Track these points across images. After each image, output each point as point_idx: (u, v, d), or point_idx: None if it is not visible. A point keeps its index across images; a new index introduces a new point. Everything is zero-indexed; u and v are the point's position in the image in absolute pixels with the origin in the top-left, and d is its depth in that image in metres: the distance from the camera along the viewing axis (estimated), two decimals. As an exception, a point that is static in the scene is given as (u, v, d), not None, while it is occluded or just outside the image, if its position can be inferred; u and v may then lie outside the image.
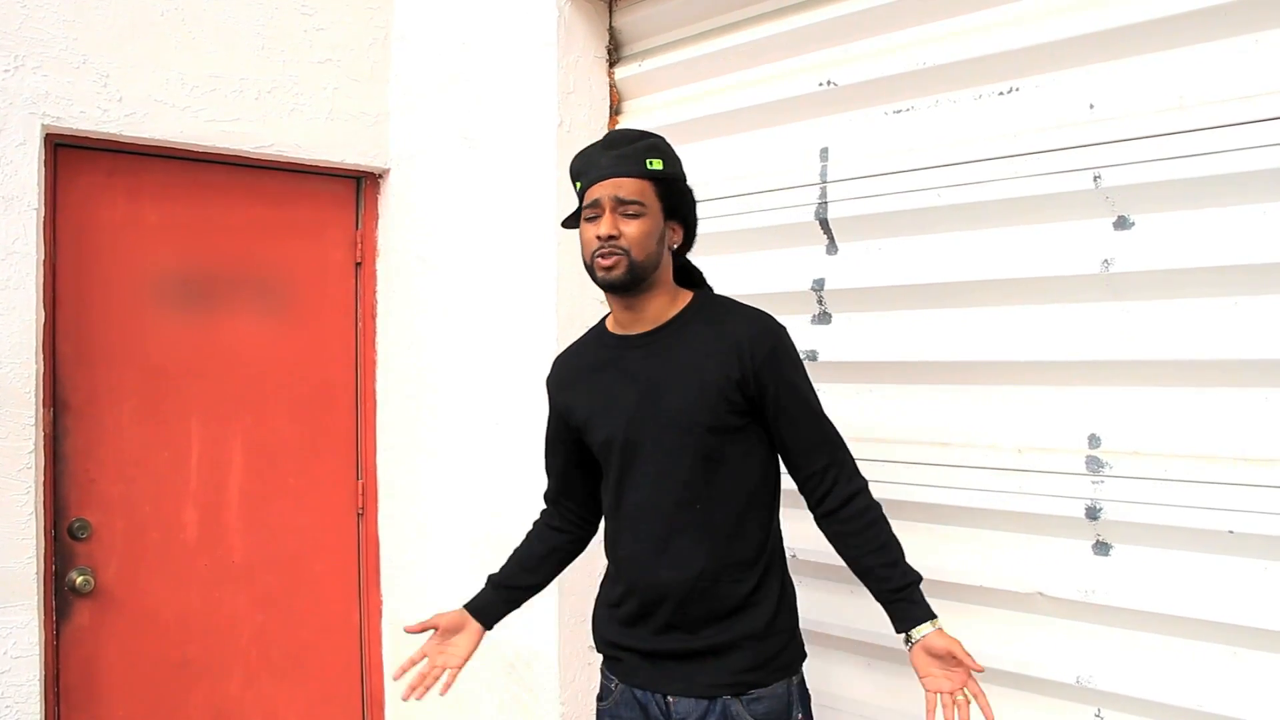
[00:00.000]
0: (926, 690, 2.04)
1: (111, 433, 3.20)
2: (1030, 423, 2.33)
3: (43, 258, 2.98)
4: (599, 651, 2.31)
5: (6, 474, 2.88)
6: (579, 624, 3.11)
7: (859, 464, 2.17)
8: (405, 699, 2.32)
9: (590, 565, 3.09)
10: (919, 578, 2.09)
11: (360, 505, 3.73)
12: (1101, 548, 2.24)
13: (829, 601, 2.62)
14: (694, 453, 2.09)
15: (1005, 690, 2.37)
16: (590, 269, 2.11)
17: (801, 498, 2.18)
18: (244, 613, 3.47)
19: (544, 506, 2.48)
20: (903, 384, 2.55)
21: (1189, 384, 2.12)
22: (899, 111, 2.56)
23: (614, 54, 3.21)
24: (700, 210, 2.89)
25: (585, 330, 2.38)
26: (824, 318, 2.68)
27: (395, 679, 2.37)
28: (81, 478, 3.14)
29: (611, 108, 3.22)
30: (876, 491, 2.36)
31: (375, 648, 3.74)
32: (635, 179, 2.08)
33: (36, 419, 2.94)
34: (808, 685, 2.20)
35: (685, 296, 2.20)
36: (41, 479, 2.98)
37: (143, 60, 3.14)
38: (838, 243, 2.66)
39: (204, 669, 3.38)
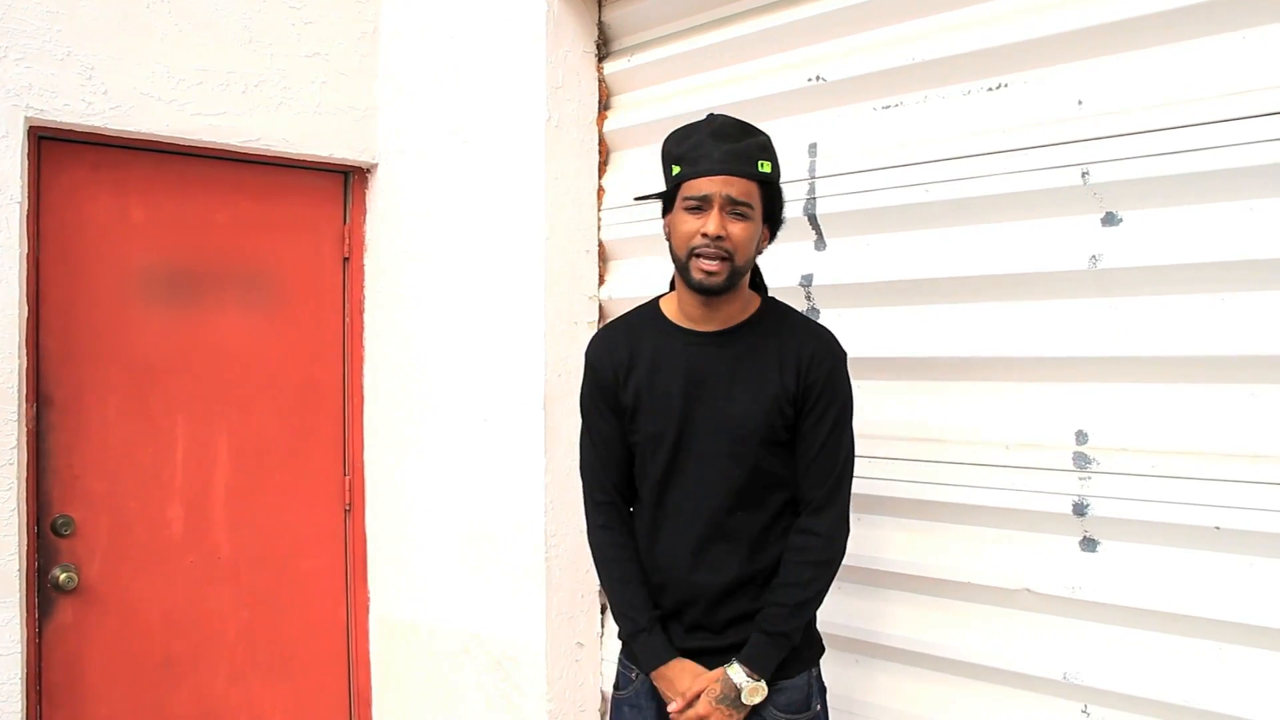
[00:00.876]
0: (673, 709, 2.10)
1: (96, 428, 3.17)
2: (1018, 419, 2.33)
3: (25, 252, 2.95)
4: (621, 639, 2.27)
5: (-11, 470, 2.86)
6: (565, 621, 3.11)
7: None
8: None
9: (577, 560, 3.11)
10: (780, 634, 2.07)
11: (347, 502, 3.72)
12: (1089, 544, 2.24)
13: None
14: (743, 460, 2.09)
15: (992, 686, 2.38)
16: (685, 265, 2.04)
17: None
18: (230, 610, 3.44)
19: (603, 515, 2.26)
20: (891, 380, 2.55)
21: (1176, 380, 2.13)
22: (888, 107, 2.56)
23: (603, 49, 3.20)
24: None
25: (635, 308, 2.29)
26: (812, 313, 2.68)
27: None
28: (65, 474, 3.11)
29: (600, 103, 3.21)
30: (865, 488, 2.37)
31: (362, 645, 3.72)
32: (747, 180, 2.01)
33: (19, 414, 2.91)
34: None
35: (754, 301, 2.18)
36: (24, 475, 2.94)
37: (128, 53, 3.11)
38: (826, 238, 2.66)
39: (189, 667, 3.36)
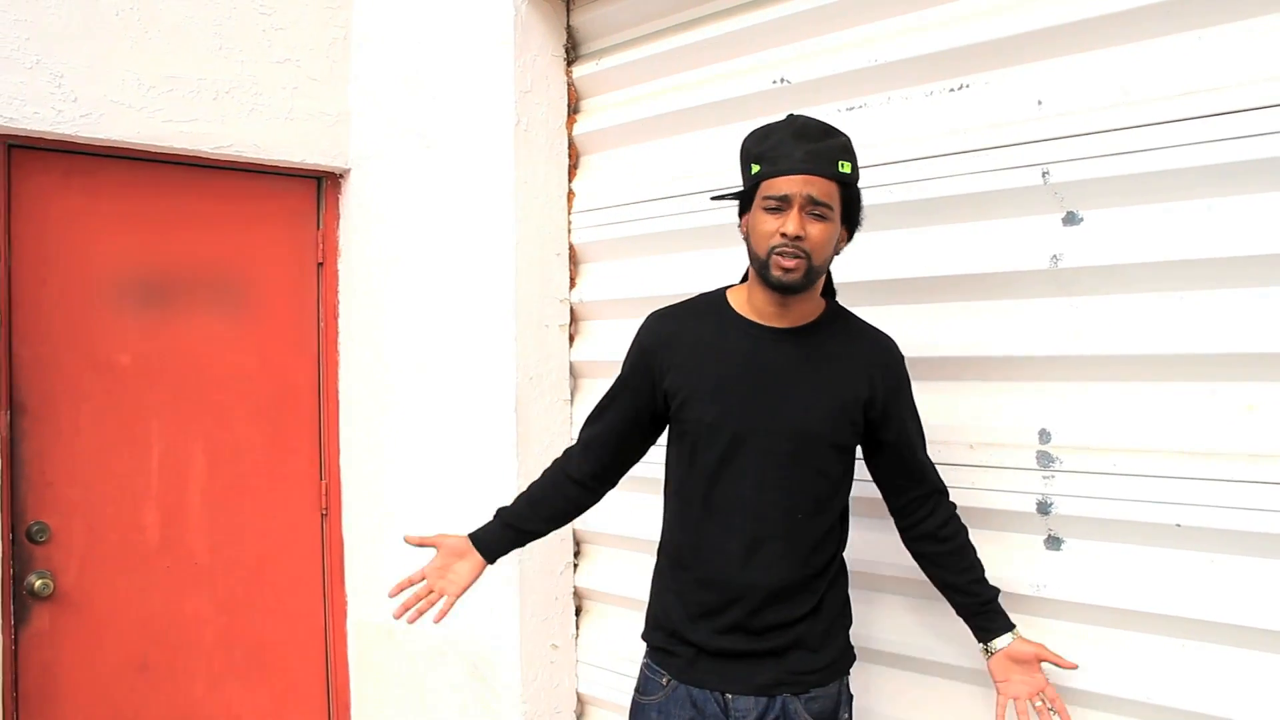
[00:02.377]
0: (1001, 695, 2.13)
1: (70, 435, 3.18)
2: (981, 418, 2.34)
3: (-3, 260, 2.96)
4: (649, 643, 2.25)
5: (-38, 478, 2.86)
6: (540, 623, 3.11)
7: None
8: (397, 617, 2.20)
9: (550, 562, 3.11)
10: (998, 591, 2.16)
11: (324, 506, 3.72)
12: (1053, 542, 2.25)
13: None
14: (808, 463, 2.08)
15: (960, 685, 2.39)
16: (764, 263, 2.00)
17: None
18: (207, 615, 3.45)
19: (570, 450, 2.33)
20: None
21: (1137, 379, 2.14)
22: (852, 109, 2.56)
23: (571, 52, 3.21)
24: (655, 209, 2.92)
25: (697, 295, 2.26)
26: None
27: (391, 596, 2.23)
28: (39, 481, 3.12)
29: (570, 106, 3.21)
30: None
31: (340, 648, 3.73)
32: (828, 180, 1.98)
33: (-8, 422, 2.92)
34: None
35: (822, 303, 2.16)
36: (-2, 482, 2.96)
37: (98, 60, 3.11)
38: (793, 240, 2.66)
39: (167, 672, 3.36)
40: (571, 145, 3.22)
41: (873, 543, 2.46)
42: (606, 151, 3.18)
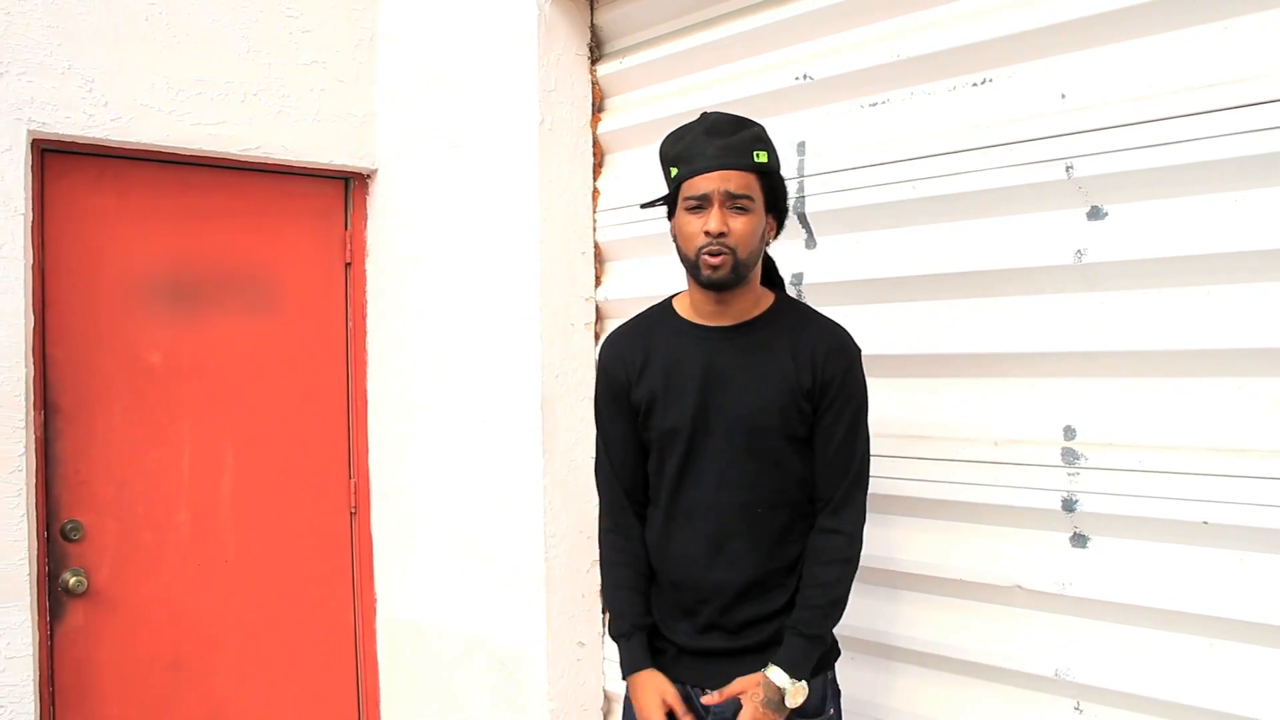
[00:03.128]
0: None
1: (103, 435, 3.22)
2: (1006, 415, 2.32)
3: (31, 262, 3.00)
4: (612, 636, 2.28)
5: (-2, 477, 2.90)
6: (567, 620, 3.12)
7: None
8: None
9: (576, 560, 3.12)
10: (817, 636, 2.09)
11: (353, 504, 3.75)
12: (1079, 540, 2.23)
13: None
14: (762, 456, 2.09)
15: (984, 683, 2.37)
16: (694, 264, 2.04)
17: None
18: (237, 612, 3.48)
19: (610, 519, 2.29)
20: (879, 377, 2.52)
21: (1163, 374, 2.12)
22: (874, 104, 2.55)
23: (595, 51, 3.21)
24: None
25: (643, 310, 2.30)
26: (804, 312, 2.67)
27: None
28: (73, 480, 3.16)
29: (594, 105, 3.22)
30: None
31: (370, 646, 3.76)
32: (744, 172, 2.00)
33: (27, 422, 2.96)
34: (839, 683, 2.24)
35: (768, 297, 2.17)
36: (33, 481, 2.99)
37: (128, 65, 3.15)
38: (816, 236, 2.66)
39: (198, 669, 3.40)
40: (596, 144, 3.22)
41: (891, 540, 2.45)
42: (631, 150, 3.18)
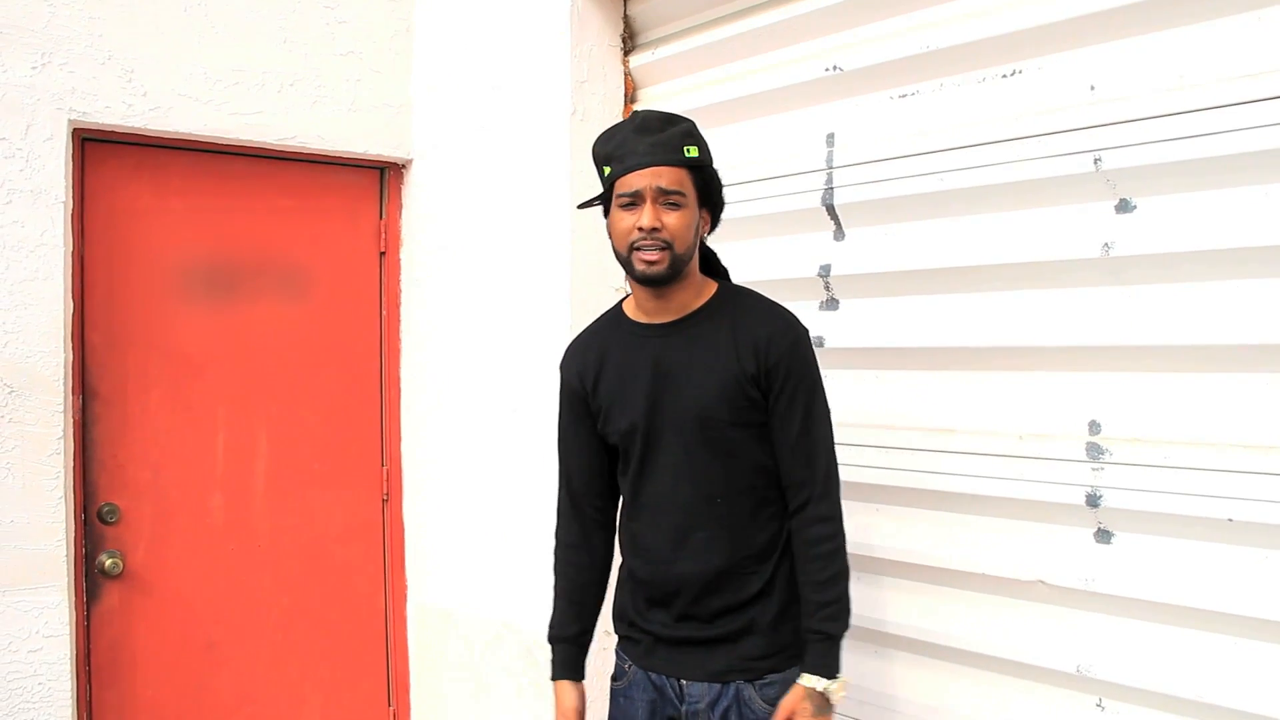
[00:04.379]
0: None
1: (139, 420, 3.28)
2: (1031, 409, 2.31)
3: (71, 250, 3.06)
4: (616, 632, 2.32)
5: (37, 460, 2.96)
6: (593, 610, 3.13)
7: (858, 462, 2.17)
8: None
9: (603, 551, 3.12)
10: (839, 631, 2.08)
11: (385, 491, 3.79)
12: (1103, 535, 2.21)
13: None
14: (715, 446, 2.09)
15: (1006, 679, 2.36)
16: (627, 261, 2.06)
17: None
18: (270, 596, 3.54)
19: (562, 524, 2.33)
20: (907, 370, 2.54)
21: (1189, 369, 2.09)
22: (904, 96, 2.54)
23: (628, 42, 3.22)
24: (709, 197, 2.91)
25: (597, 316, 2.35)
26: (831, 304, 2.67)
27: None
28: (110, 463, 3.22)
29: (626, 96, 3.22)
30: (879, 478, 2.35)
31: (400, 631, 3.80)
32: (675, 168, 2.02)
33: (66, 406, 3.02)
34: None
35: (710, 287, 2.18)
36: (71, 464, 3.06)
37: (166, 55, 3.20)
38: (845, 228, 2.65)
39: (230, 651, 3.46)
40: (628, 135, 3.22)
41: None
42: (663, 141, 3.18)
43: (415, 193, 3.73)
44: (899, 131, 2.53)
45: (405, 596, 3.80)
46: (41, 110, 2.98)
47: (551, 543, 2.37)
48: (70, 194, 3.05)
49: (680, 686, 2.16)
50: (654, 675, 2.19)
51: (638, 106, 3.22)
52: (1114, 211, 2.16)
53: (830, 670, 2.06)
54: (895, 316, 2.54)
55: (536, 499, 3.20)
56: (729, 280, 2.26)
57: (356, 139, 3.60)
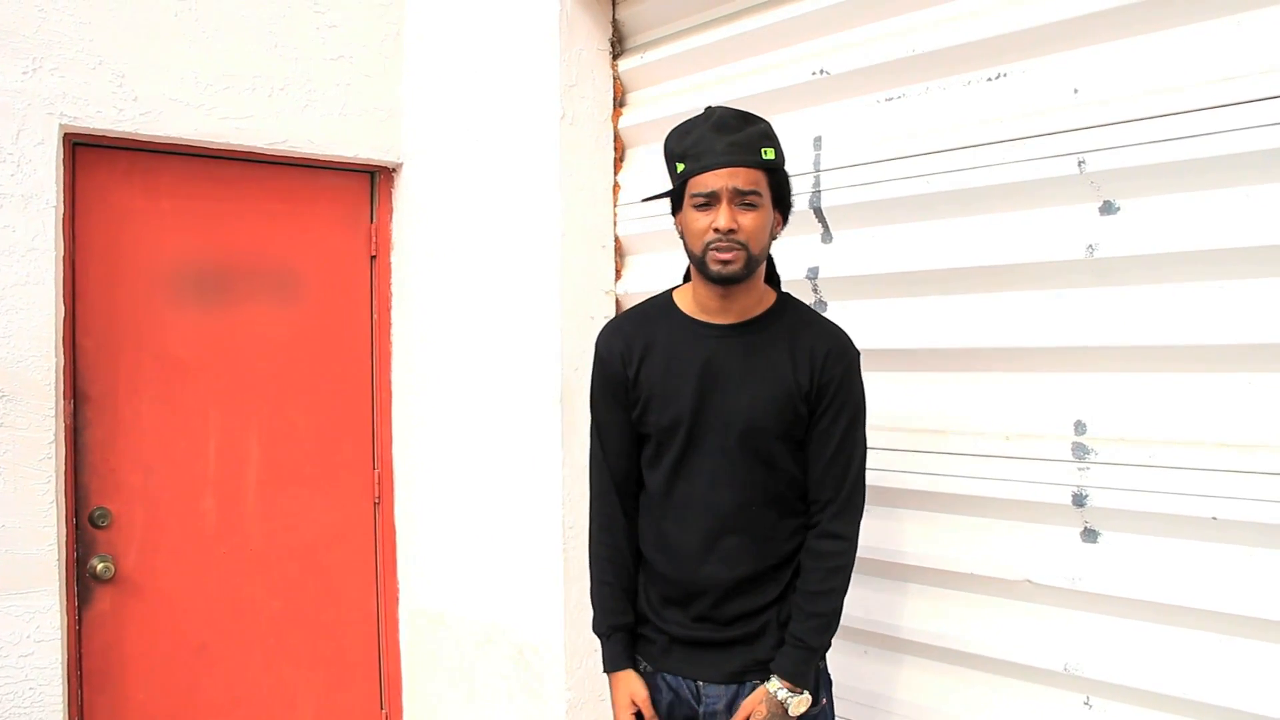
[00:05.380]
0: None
1: (131, 423, 3.28)
2: (1017, 409, 2.33)
3: (62, 254, 3.06)
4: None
5: (29, 464, 2.96)
6: (584, 612, 3.13)
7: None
8: None
9: (593, 553, 3.13)
10: (820, 646, 2.11)
11: (376, 495, 3.80)
12: (1089, 535, 2.23)
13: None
14: (757, 455, 2.09)
15: (993, 678, 2.37)
16: (701, 260, 2.04)
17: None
18: (262, 599, 3.54)
19: (601, 513, 2.28)
20: (894, 371, 2.55)
21: (1174, 369, 2.11)
22: (890, 99, 2.56)
23: (617, 46, 3.24)
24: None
25: (644, 300, 2.30)
26: (820, 306, 2.68)
27: None
28: (102, 467, 3.22)
29: (615, 99, 3.24)
30: (866, 479, 2.35)
31: (392, 634, 3.80)
32: (752, 169, 2.00)
33: (57, 411, 3.02)
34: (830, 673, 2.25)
35: (770, 296, 2.17)
36: (62, 468, 3.06)
37: (157, 60, 3.21)
38: (832, 231, 2.67)
39: (222, 654, 3.46)
40: (617, 138, 3.24)
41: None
42: (652, 144, 3.18)
43: (406, 196, 3.74)
44: (886, 134, 2.55)
45: (397, 599, 3.80)
46: (33, 115, 2.99)
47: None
48: (61, 198, 3.05)
49: (697, 688, 2.16)
50: (669, 676, 2.19)
51: (626, 110, 3.24)
52: (1098, 213, 2.19)
53: (799, 681, 2.08)
54: (883, 318, 2.56)
55: (526, 502, 3.21)
56: (783, 290, 2.24)
57: (347, 143, 3.61)
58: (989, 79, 2.37)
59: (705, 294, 2.13)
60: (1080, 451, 2.21)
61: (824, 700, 2.19)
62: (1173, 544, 2.11)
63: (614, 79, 3.23)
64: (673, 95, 3.10)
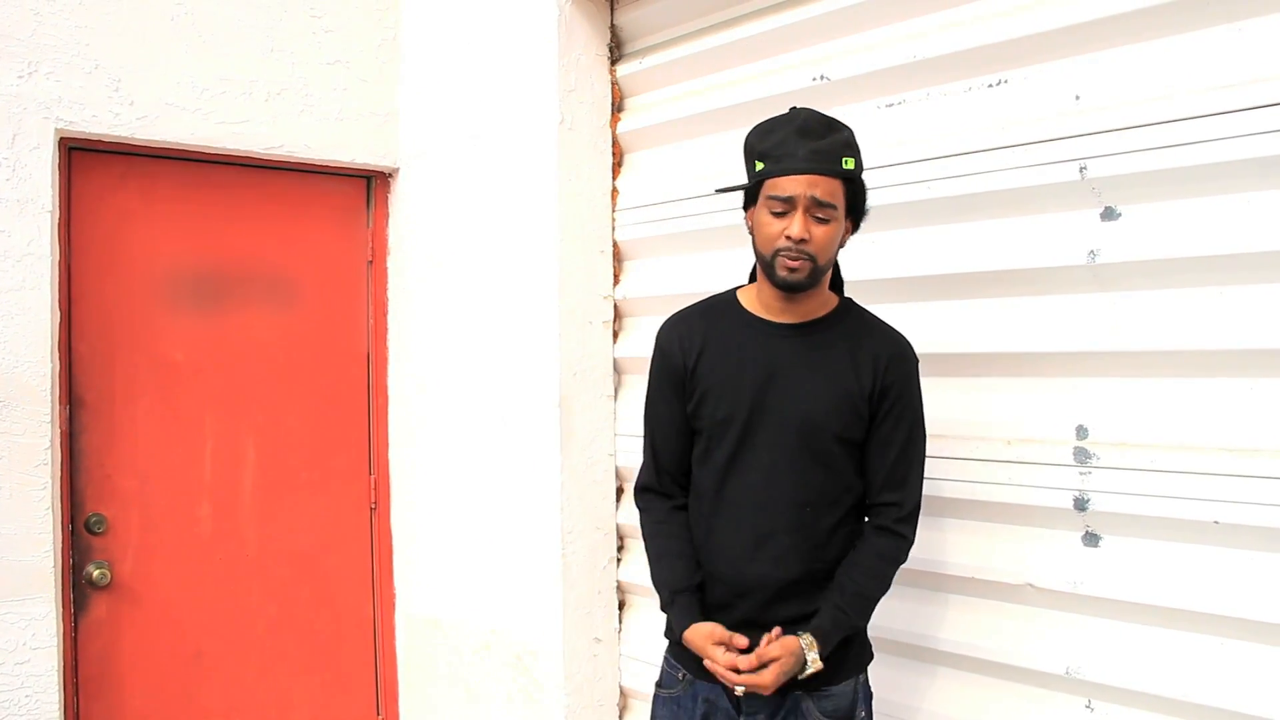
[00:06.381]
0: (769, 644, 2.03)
1: (127, 429, 3.27)
2: (1019, 414, 2.34)
3: (57, 259, 3.05)
4: (667, 638, 2.26)
5: (24, 470, 2.95)
6: (584, 616, 3.14)
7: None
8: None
9: (593, 556, 3.15)
10: (857, 621, 2.09)
11: (373, 500, 3.79)
12: (1091, 539, 2.23)
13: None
14: (815, 457, 2.07)
15: (995, 681, 2.38)
16: (769, 264, 2.02)
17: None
18: (258, 605, 3.53)
19: (645, 498, 2.27)
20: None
21: (1175, 374, 2.13)
22: (891, 105, 2.57)
23: (615, 51, 3.24)
24: (699, 205, 2.94)
25: (706, 298, 2.28)
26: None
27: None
28: (97, 473, 3.21)
29: (613, 105, 3.24)
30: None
31: (389, 640, 3.79)
32: (832, 179, 1.97)
33: (53, 416, 3.01)
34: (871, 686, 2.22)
35: (833, 299, 2.17)
36: (58, 475, 3.04)
37: (153, 64, 3.20)
38: (832, 236, 2.67)
39: (218, 661, 3.45)
40: (615, 143, 3.25)
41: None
42: (650, 149, 3.20)
43: (402, 201, 3.74)
44: (886, 140, 2.55)
45: (393, 605, 3.79)
46: (28, 119, 2.97)
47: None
48: (57, 203, 3.04)
49: (738, 698, 2.11)
50: (710, 686, 2.14)
51: (624, 115, 3.24)
52: (1099, 219, 2.20)
53: (826, 643, 2.04)
54: (883, 323, 2.57)
55: (524, 507, 3.21)
56: (844, 293, 2.23)
57: (343, 147, 3.60)
58: (990, 85, 2.39)
59: (770, 295, 2.12)
60: (1082, 456, 2.22)
61: (863, 713, 2.16)
62: (1174, 548, 2.12)
63: (612, 84, 3.24)
64: (671, 101, 3.11)
